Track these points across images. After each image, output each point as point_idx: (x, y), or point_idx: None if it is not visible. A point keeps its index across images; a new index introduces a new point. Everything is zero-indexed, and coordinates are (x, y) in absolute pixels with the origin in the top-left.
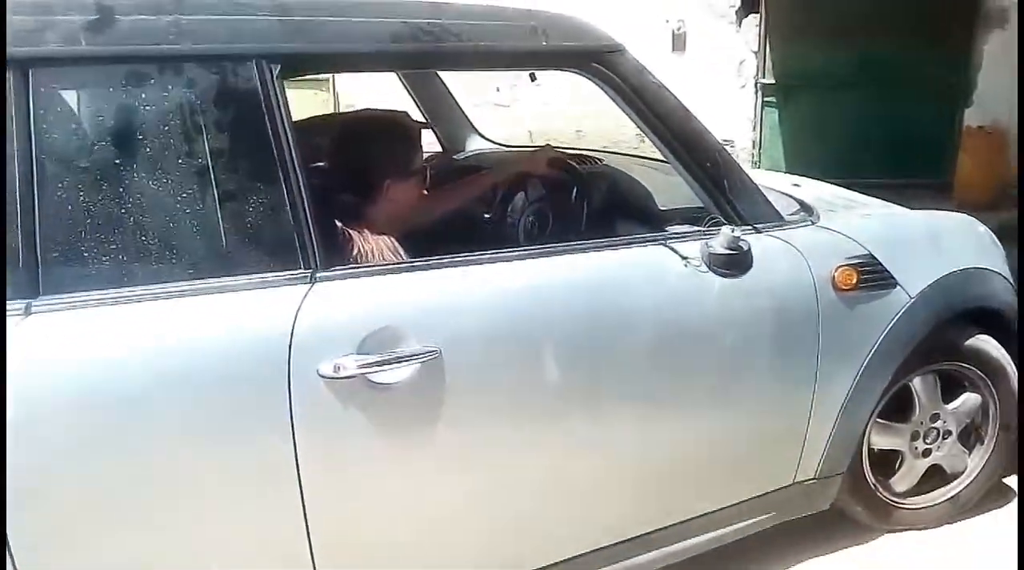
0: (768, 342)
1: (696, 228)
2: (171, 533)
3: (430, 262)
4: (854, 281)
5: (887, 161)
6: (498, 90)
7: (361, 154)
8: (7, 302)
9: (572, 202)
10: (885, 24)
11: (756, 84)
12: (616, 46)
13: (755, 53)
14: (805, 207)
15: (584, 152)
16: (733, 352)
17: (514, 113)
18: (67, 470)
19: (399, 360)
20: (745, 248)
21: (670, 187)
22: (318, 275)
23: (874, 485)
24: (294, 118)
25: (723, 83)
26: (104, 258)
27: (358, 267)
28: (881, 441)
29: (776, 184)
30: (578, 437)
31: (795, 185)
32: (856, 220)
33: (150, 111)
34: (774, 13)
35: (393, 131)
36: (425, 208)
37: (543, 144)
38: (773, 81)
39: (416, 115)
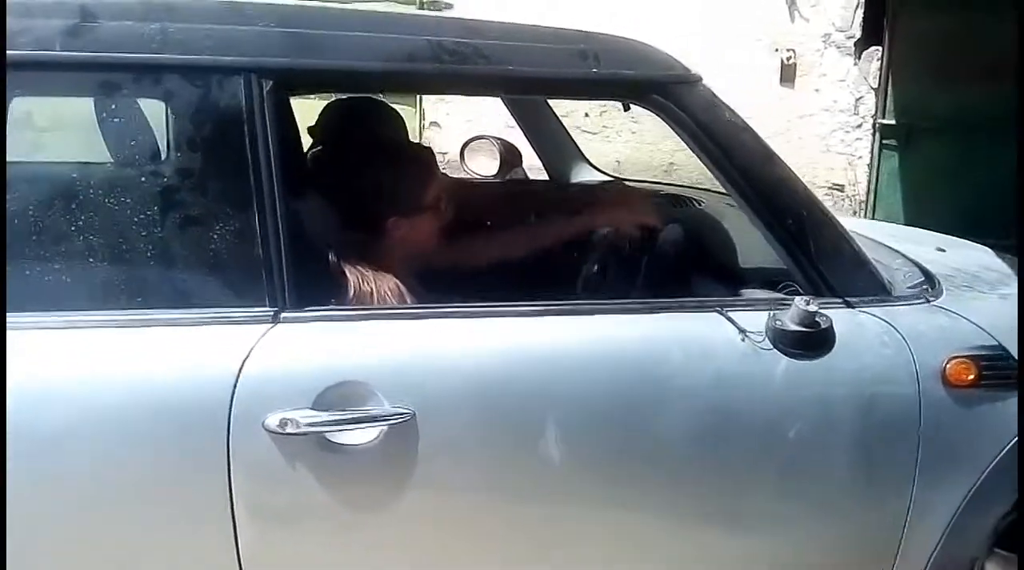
0: (846, 441)
1: (769, 295)
2: None
3: (421, 311)
4: (971, 377)
5: None
6: (586, 115)
7: (364, 185)
8: None
9: (631, 252)
10: None
11: (874, 124)
12: (682, 76)
13: (874, 89)
14: (929, 279)
15: (676, 190)
16: (798, 449)
17: (602, 141)
18: None
19: (361, 421)
20: (823, 325)
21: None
22: (283, 315)
23: None
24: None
25: (836, 121)
26: (47, 279)
27: (331, 309)
28: None
29: (912, 246)
30: (582, 544)
31: (940, 249)
32: (991, 301)
33: (119, 123)
34: (899, 46)
35: (402, 161)
36: (452, 250)
37: (612, 179)
38: (894, 121)
39: (522, 140)
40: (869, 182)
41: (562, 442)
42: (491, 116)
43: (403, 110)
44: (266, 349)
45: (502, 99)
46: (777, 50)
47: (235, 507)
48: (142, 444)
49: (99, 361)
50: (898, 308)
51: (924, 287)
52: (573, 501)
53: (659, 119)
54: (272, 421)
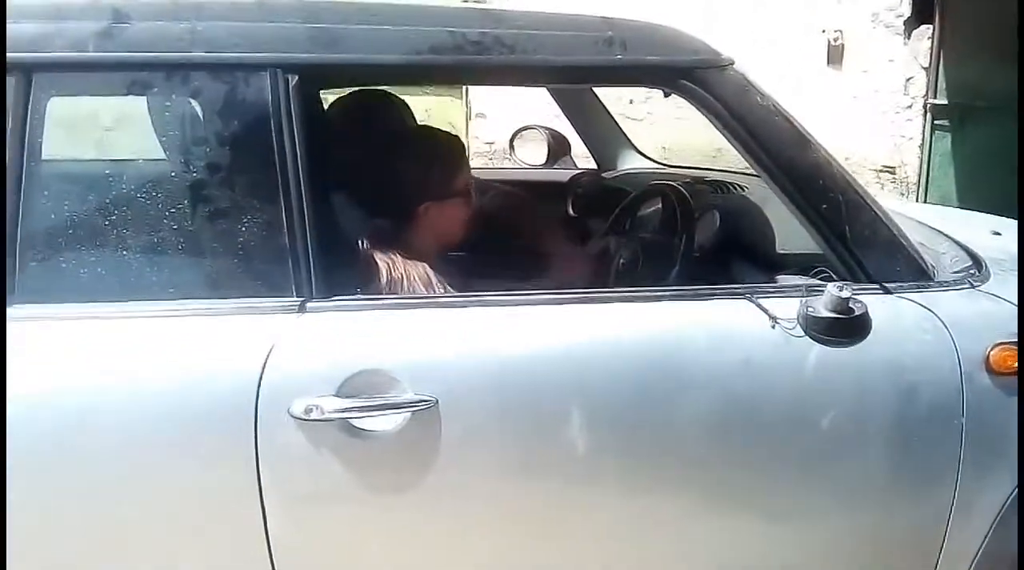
0: (884, 430)
1: (802, 281)
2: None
3: (445, 300)
4: (1017, 364)
5: None
6: (631, 102)
7: (394, 173)
8: None
9: (670, 240)
10: None
11: (925, 104)
12: (711, 60)
13: (925, 69)
14: (976, 264)
15: (720, 176)
16: (832, 439)
17: (647, 128)
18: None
19: (386, 407)
20: (858, 311)
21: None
22: (309, 305)
23: None
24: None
25: (886, 102)
26: (82, 271)
27: (356, 299)
28: None
29: (965, 230)
30: (606, 533)
31: (995, 233)
32: None
33: (152, 120)
34: (951, 24)
35: (431, 148)
36: (481, 236)
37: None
38: (946, 102)
39: (568, 129)
40: (921, 164)
41: (586, 431)
42: (538, 107)
43: (450, 102)
44: (292, 338)
45: (547, 89)
46: (824, 31)
47: (263, 491)
48: (171, 431)
49: (128, 350)
50: (939, 294)
51: (970, 272)
52: (597, 489)
53: None
54: (298, 408)
